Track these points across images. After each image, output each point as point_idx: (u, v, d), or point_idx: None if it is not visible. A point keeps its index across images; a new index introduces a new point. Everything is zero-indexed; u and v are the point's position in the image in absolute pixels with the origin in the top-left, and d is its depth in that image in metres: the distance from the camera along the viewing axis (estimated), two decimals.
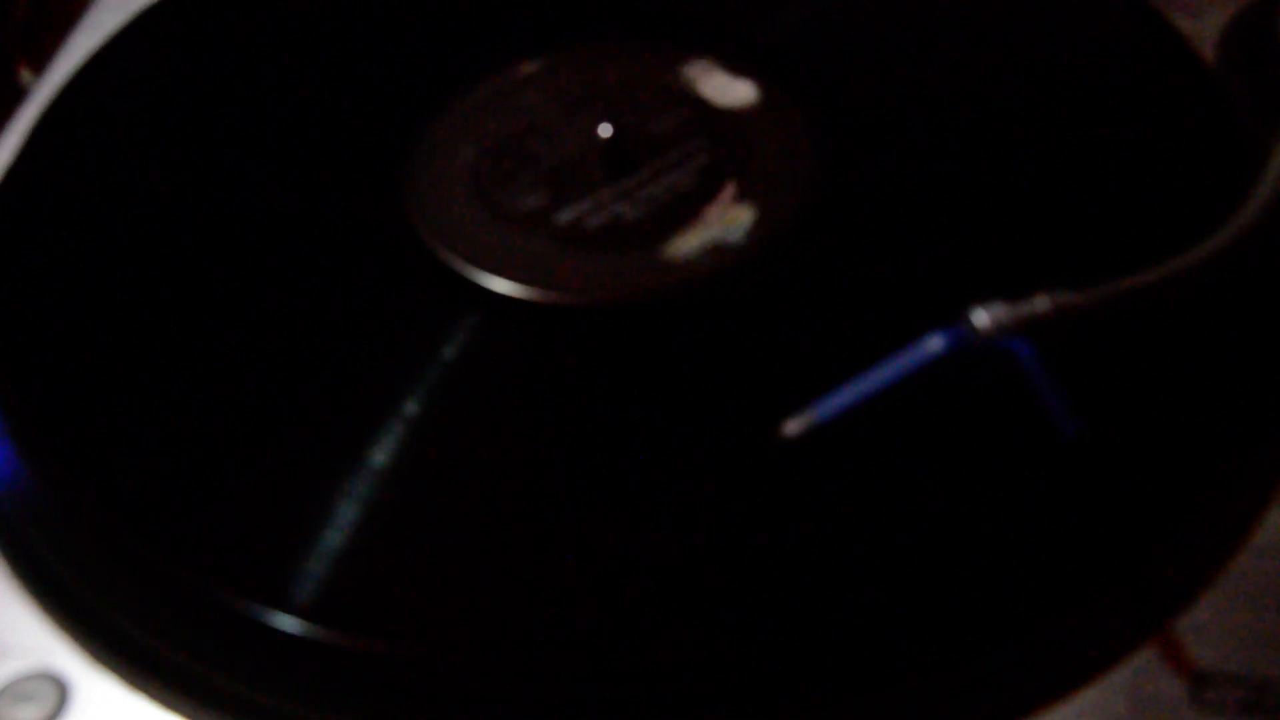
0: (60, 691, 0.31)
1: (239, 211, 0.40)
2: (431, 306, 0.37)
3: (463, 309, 0.36)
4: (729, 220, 0.35)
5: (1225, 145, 0.37)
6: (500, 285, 0.37)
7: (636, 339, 0.35)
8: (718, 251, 0.36)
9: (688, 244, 0.35)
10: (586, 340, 0.36)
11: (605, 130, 0.40)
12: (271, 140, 0.42)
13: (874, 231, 0.37)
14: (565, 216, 0.38)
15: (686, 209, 0.38)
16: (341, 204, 0.40)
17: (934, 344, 0.31)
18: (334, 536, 0.32)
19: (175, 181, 0.41)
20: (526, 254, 0.37)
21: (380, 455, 0.33)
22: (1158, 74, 0.40)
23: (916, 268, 0.36)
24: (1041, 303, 0.31)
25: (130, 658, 0.32)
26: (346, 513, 0.32)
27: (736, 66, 0.41)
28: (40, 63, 0.48)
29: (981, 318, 0.31)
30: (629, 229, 0.38)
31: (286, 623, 0.30)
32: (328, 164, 0.41)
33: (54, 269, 0.39)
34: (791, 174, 0.39)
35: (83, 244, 0.39)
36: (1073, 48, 0.41)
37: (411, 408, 0.34)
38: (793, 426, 0.31)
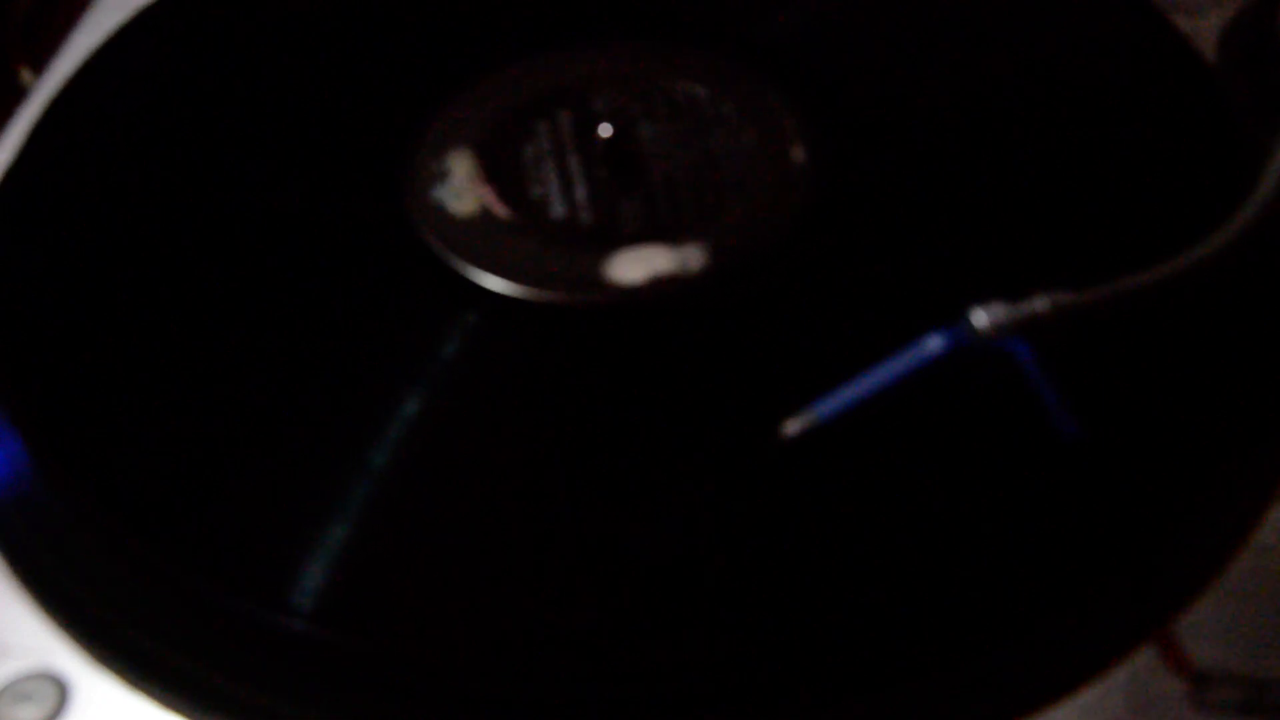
0: (60, 691, 0.31)
1: (239, 211, 0.40)
2: (430, 305, 0.37)
3: (461, 308, 0.36)
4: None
5: (1225, 145, 0.37)
6: (499, 285, 0.37)
7: (636, 339, 0.35)
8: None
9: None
10: (586, 340, 0.36)
11: (605, 130, 0.40)
12: (271, 140, 0.42)
13: (873, 231, 0.37)
14: (565, 215, 0.38)
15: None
16: (341, 203, 0.40)
17: (933, 344, 0.31)
18: (334, 536, 0.32)
19: (175, 181, 0.41)
20: (526, 254, 0.37)
21: (379, 455, 0.33)
22: (1158, 74, 0.40)
23: (916, 268, 0.36)
24: (1041, 303, 0.31)
25: (130, 658, 0.32)
26: (346, 512, 0.32)
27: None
28: (40, 63, 0.48)
29: (981, 318, 0.31)
30: (629, 228, 0.38)
31: (286, 623, 0.30)
32: (328, 163, 0.41)
33: (54, 269, 0.39)
34: (790, 174, 0.39)
35: (83, 244, 0.39)
36: (1073, 48, 0.41)
37: (410, 407, 0.34)
38: (792, 426, 0.31)
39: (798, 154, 0.39)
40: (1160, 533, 0.31)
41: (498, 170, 0.40)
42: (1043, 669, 0.30)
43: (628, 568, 0.31)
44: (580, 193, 0.39)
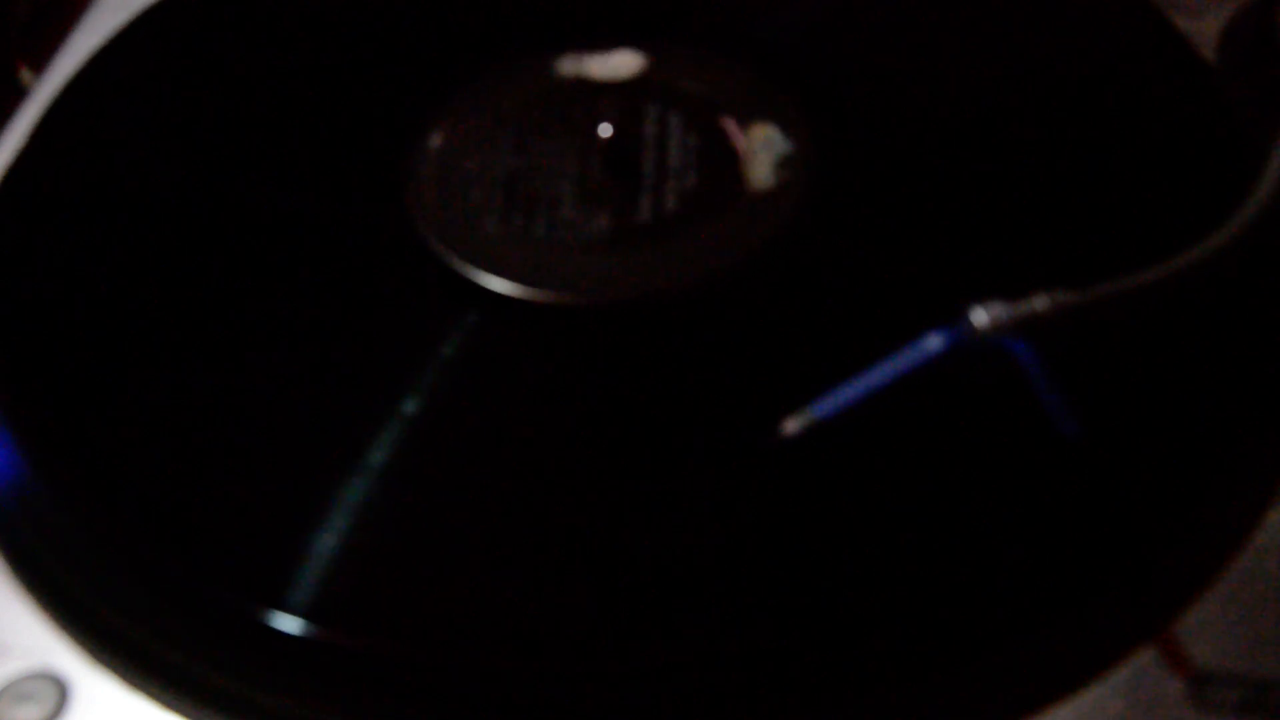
0: (60, 691, 0.31)
1: (239, 212, 0.40)
2: (431, 306, 0.37)
3: (463, 309, 0.36)
4: (762, 138, 0.36)
5: (1225, 145, 0.37)
6: (500, 285, 0.37)
7: (636, 339, 0.35)
8: (785, 165, 0.36)
9: (756, 175, 0.35)
10: (586, 340, 0.36)
11: (605, 130, 0.40)
12: (271, 140, 0.42)
13: (873, 230, 0.37)
14: (565, 216, 0.38)
15: (694, 200, 0.38)
16: (342, 203, 0.40)
17: (933, 343, 0.31)
18: (333, 536, 0.32)
19: (176, 182, 0.41)
20: (526, 254, 0.37)
21: (379, 455, 0.33)
22: (1158, 74, 0.40)
23: (916, 267, 0.36)
24: (1041, 302, 0.31)
25: (130, 658, 0.32)
26: (346, 512, 0.32)
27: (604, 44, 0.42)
28: (40, 63, 0.48)
29: (980, 317, 0.31)
30: (629, 228, 0.38)
31: (286, 622, 0.30)
32: (328, 164, 0.41)
33: (55, 269, 0.39)
34: (790, 173, 0.39)
35: (83, 245, 0.39)
36: (1073, 48, 0.41)
37: (411, 407, 0.34)
38: (792, 426, 0.31)
39: (797, 154, 0.39)
40: (1160, 533, 0.31)
41: (498, 170, 0.40)
42: (1043, 669, 0.30)
43: (628, 568, 0.31)
44: (580, 193, 0.39)
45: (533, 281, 0.37)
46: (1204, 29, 0.41)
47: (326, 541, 0.32)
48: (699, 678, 0.30)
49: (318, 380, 0.35)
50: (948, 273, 0.35)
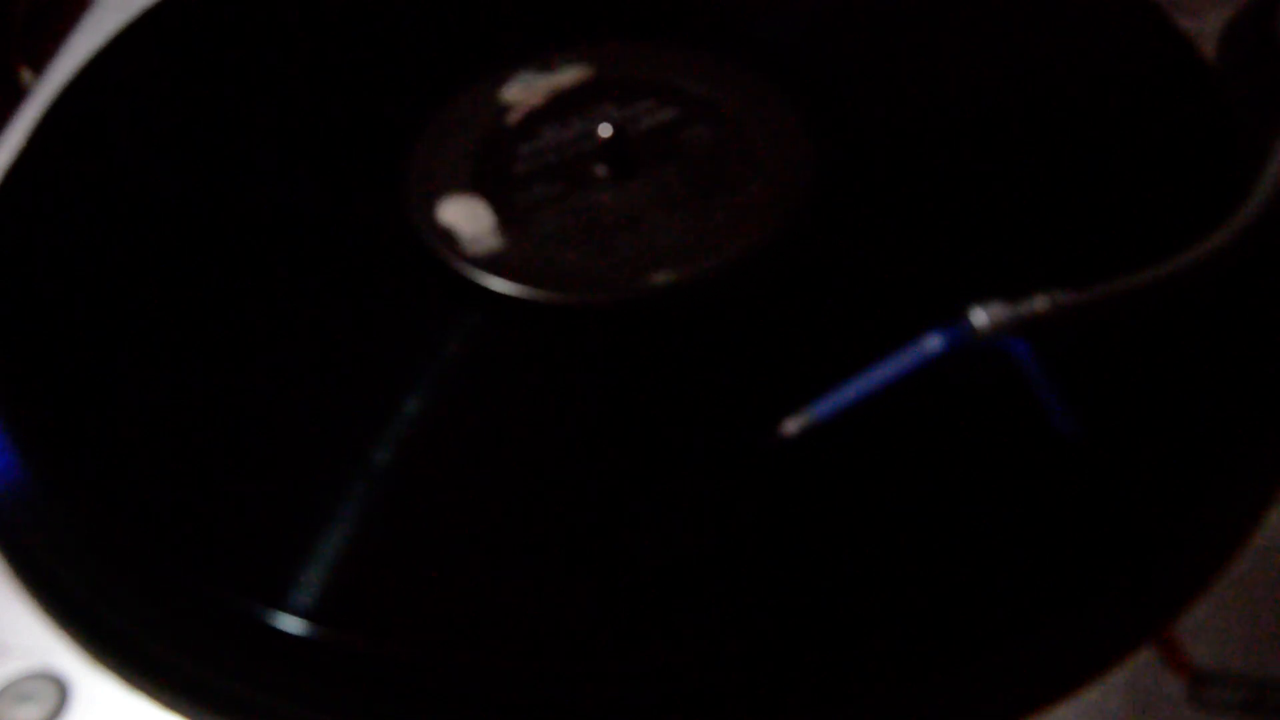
0: (60, 691, 0.31)
1: (239, 212, 0.40)
2: (431, 306, 0.37)
3: (463, 309, 0.36)
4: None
5: (1225, 145, 0.37)
6: (500, 285, 0.37)
7: (636, 339, 0.35)
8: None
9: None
10: (586, 340, 0.36)
11: (605, 130, 0.40)
12: (271, 140, 0.42)
13: (873, 230, 0.37)
14: (565, 215, 0.38)
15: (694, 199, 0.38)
16: (341, 204, 0.40)
17: (932, 343, 0.31)
18: (334, 536, 0.32)
19: (175, 182, 0.41)
20: (526, 254, 0.37)
21: (380, 455, 0.33)
22: (1158, 73, 0.40)
23: (915, 267, 0.36)
24: (1040, 303, 0.31)
25: (130, 658, 0.32)
26: (346, 513, 0.32)
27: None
28: (40, 63, 0.48)
29: (980, 317, 0.31)
30: (629, 228, 0.38)
31: (286, 623, 0.30)
32: (328, 164, 0.41)
33: (54, 270, 0.39)
34: (791, 173, 0.39)
35: (83, 245, 0.39)
36: (1075, 48, 0.41)
37: (411, 408, 0.34)
38: (791, 426, 0.31)
39: (800, 154, 0.39)
40: (1160, 533, 0.31)
41: (498, 171, 0.40)
42: (1043, 669, 0.30)
43: (628, 568, 0.31)
44: (580, 193, 0.39)
45: (534, 282, 0.37)
46: (1204, 29, 0.41)
47: (326, 542, 0.32)
48: (699, 678, 0.30)
49: (318, 380, 0.35)
50: (948, 273, 0.35)
